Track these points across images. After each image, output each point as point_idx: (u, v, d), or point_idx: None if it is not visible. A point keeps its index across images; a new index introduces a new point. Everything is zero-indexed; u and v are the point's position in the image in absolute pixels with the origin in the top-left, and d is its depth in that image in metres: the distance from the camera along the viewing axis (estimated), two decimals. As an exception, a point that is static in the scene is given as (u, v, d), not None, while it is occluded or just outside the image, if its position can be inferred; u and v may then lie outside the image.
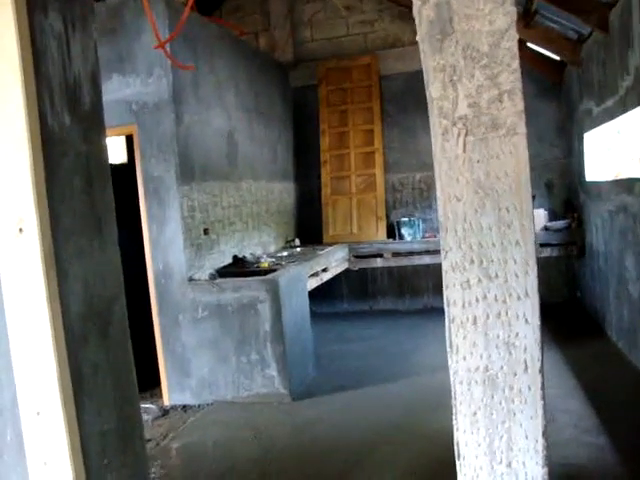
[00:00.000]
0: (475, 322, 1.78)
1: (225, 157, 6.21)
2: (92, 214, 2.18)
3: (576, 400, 4.72)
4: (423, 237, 8.05)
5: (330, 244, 7.89)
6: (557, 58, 7.45)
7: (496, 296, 1.75)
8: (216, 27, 6.49)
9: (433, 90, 1.76)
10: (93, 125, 2.24)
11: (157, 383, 5.50)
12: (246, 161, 6.73)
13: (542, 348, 1.76)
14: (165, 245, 5.23)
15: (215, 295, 5.18)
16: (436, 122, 1.75)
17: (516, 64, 1.74)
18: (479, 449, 1.83)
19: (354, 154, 8.43)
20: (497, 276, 1.75)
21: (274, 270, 5.60)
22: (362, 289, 8.71)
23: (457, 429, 1.85)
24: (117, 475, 2.20)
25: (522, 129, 1.70)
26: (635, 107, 4.92)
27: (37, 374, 1.98)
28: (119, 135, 6.24)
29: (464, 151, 1.72)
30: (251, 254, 6.28)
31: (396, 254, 7.88)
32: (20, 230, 1.93)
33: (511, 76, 1.72)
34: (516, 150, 1.70)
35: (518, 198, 1.73)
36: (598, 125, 6.22)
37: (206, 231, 5.58)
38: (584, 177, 7.03)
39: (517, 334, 1.76)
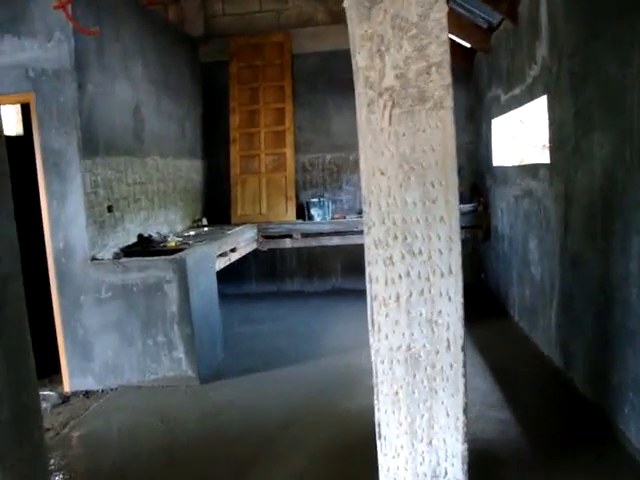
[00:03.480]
0: (398, 300, 1.72)
1: (131, 131, 5.93)
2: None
3: (482, 378, 4.84)
4: (332, 218, 8.04)
5: (239, 224, 7.74)
6: (468, 45, 7.56)
7: (419, 273, 1.70)
8: (122, -7, 6.16)
9: (360, 59, 1.67)
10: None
11: (57, 369, 5.22)
12: (153, 136, 6.46)
13: (464, 326, 1.73)
14: (66, 222, 4.94)
15: (120, 275, 4.94)
16: (362, 93, 1.67)
17: (445, 36, 1.69)
18: (400, 428, 1.79)
19: (264, 133, 8.28)
20: (421, 253, 1.70)
21: (181, 250, 5.41)
22: (271, 270, 8.62)
23: (378, 409, 1.80)
24: (12, 472, 2.01)
25: (449, 103, 1.65)
26: (540, 95, 5.05)
27: None
28: (13, 103, 5.85)
29: (390, 124, 1.66)
30: (157, 233, 6.05)
31: (305, 235, 7.82)
32: None
33: (440, 48, 1.67)
34: (443, 124, 1.65)
35: (443, 173, 1.68)
36: (505, 112, 6.37)
37: (110, 208, 5.31)
38: (491, 162, 7.20)
39: (440, 312, 1.72)
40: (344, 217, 8.03)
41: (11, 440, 2.04)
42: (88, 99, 5.11)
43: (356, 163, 8.32)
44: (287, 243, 7.83)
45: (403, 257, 1.74)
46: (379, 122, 1.70)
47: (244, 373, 5.34)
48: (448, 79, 1.67)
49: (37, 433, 2.20)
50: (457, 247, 1.71)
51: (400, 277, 1.75)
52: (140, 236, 5.76)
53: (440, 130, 1.68)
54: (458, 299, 1.72)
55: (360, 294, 7.95)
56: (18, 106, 6.70)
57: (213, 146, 8.43)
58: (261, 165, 8.22)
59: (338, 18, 8.23)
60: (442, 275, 1.72)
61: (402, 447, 1.80)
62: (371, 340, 1.79)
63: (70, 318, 5.06)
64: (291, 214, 8.04)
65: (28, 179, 5.09)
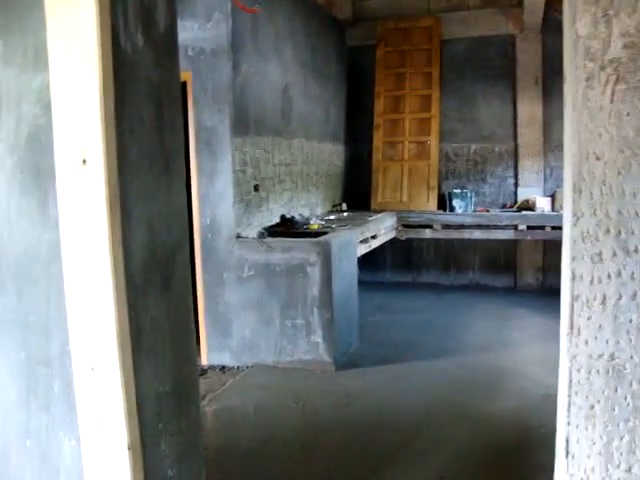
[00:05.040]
0: (604, 302, 1.51)
1: (280, 112, 5.94)
2: (160, 150, 1.94)
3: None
4: (475, 211, 7.71)
5: (378, 211, 7.59)
6: None
7: (633, 274, 1.48)
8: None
9: (580, 27, 1.46)
10: (166, 50, 1.99)
11: (196, 341, 5.32)
12: (300, 118, 6.45)
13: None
14: (214, 199, 5.00)
15: (263, 254, 4.95)
16: (580, 65, 1.46)
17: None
18: (593, 448, 1.57)
19: (409, 120, 8.07)
20: (636, 251, 1.48)
21: (324, 233, 5.35)
22: (406, 260, 8.43)
23: (568, 423, 1.59)
24: (171, 441, 1.99)
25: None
26: None
27: (94, 326, 1.77)
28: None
29: (611, 101, 1.44)
30: (300, 215, 6.04)
31: (446, 226, 7.55)
32: (84, 161, 1.70)
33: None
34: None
35: (671, 161, 1.45)
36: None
37: (256, 187, 5.33)
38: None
39: (653, 320, 1.50)
40: (487, 210, 7.69)
41: (172, 411, 2.02)
42: (241, 79, 5.14)
43: (501, 155, 7.96)
44: (427, 233, 7.60)
45: (615, 254, 1.52)
46: (598, 99, 1.48)
47: (379, 363, 5.22)
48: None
49: (194, 407, 2.18)
50: (681, 248, 1.47)
51: (609, 277, 1.52)
52: (283, 217, 5.77)
53: (672, 110, 1.44)
54: (678, 308, 1.48)
55: (498, 291, 7.72)
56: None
57: (356, 131, 8.33)
58: (404, 152, 8.03)
59: (490, 2, 7.87)
60: (660, 278, 1.49)
61: (593, 470, 1.59)
62: (567, 344, 1.58)
63: (212, 294, 5.14)
64: (432, 204, 7.80)
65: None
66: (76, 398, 1.85)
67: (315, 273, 4.86)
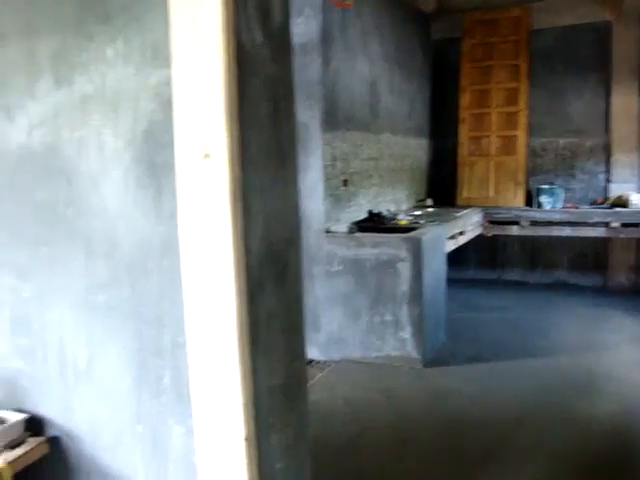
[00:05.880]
0: None
1: (368, 107, 5.93)
2: (276, 144, 1.96)
3: None
4: (563, 207, 7.47)
5: (463, 206, 7.47)
6: None
7: None
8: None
9: None
10: (281, 46, 2.00)
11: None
12: (387, 113, 6.43)
13: None
14: (305, 194, 5.03)
15: (352, 250, 4.95)
16: None
17: None
18: None
19: (495, 114, 7.90)
20: None
21: (413, 229, 5.30)
22: (491, 257, 8.26)
23: None
24: (281, 436, 2.01)
25: None
26: None
27: (212, 318, 1.80)
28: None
29: None
30: (387, 210, 6.01)
31: (534, 223, 7.35)
32: (206, 156, 1.72)
33: None
34: None
35: None
36: None
37: (345, 182, 5.34)
38: None
39: None
40: (576, 207, 7.45)
41: (283, 405, 2.03)
42: (331, 74, 5.16)
43: (592, 149, 7.69)
44: (514, 230, 7.42)
45: None
46: None
47: (468, 361, 5.14)
48: None
49: (303, 402, 2.19)
50: None
51: None
52: (370, 212, 5.76)
53: None
54: None
55: (587, 291, 7.47)
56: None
57: (440, 126, 8.22)
58: (490, 147, 7.86)
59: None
60: None
61: None
62: None
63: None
64: (519, 200, 7.61)
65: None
66: (190, 389, 1.89)
67: (405, 269, 4.83)
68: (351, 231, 5.08)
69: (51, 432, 2.68)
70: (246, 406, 1.82)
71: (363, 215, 5.73)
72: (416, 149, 7.60)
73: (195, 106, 1.73)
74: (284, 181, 1.97)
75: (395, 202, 6.73)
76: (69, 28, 2.32)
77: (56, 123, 2.40)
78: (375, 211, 5.81)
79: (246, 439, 1.84)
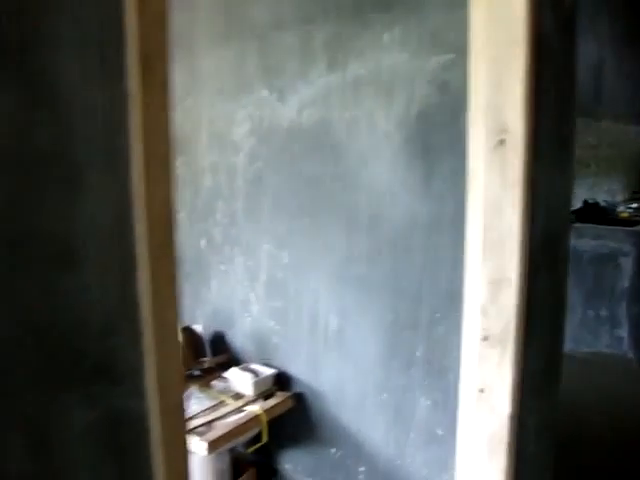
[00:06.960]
0: None
1: (592, 92, 5.67)
2: (557, 133, 1.97)
3: None
4: None
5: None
6: None
7: None
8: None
9: None
10: (568, 31, 2.00)
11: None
12: (610, 99, 6.09)
13: None
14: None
15: (570, 240, 4.79)
16: None
17: None
18: None
19: None
20: None
21: (636, 222, 5.02)
22: None
23: None
24: (533, 420, 2.03)
25: None
26: None
27: (491, 298, 1.86)
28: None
29: None
30: (604, 201, 5.74)
31: None
32: (501, 142, 1.77)
33: None
34: None
35: None
36: None
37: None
38: None
39: None
40: None
41: (539, 390, 2.06)
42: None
43: None
44: None
45: None
46: None
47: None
48: None
49: (556, 387, 2.20)
50: None
51: None
52: (585, 202, 5.53)
53: None
54: None
55: None
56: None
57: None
58: None
59: None
60: None
61: None
62: None
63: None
64: None
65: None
66: (462, 365, 1.96)
67: (628, 264, 4.60)
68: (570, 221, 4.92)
69: (297, 388, 2.91)
70: (514, 384, 1.86)
71: (578, 205, 5.52)
72: (636, 137, 7.13)
73: (493, 94, 1.78)
74: (562, 170, 1.97)
75: (610, 193, 6.38)
76: (346, 16, 2.46)
77: (327, 104, 2.57)
78: (591, 201, 5.56)
79: (511, 417, 1.89)
